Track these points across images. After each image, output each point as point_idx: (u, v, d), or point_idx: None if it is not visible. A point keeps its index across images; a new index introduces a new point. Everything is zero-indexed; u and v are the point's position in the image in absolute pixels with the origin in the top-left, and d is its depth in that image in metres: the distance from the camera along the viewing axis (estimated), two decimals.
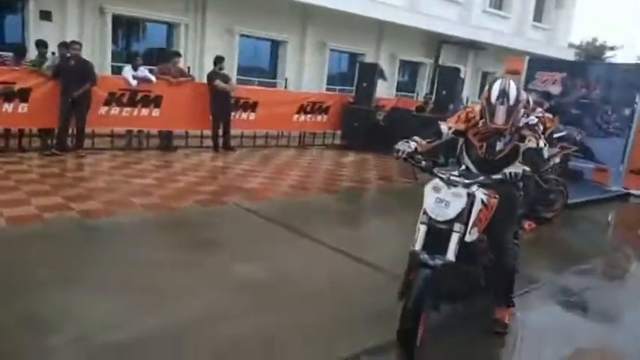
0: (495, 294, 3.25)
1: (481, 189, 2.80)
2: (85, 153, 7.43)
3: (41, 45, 7.57)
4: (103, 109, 7.74)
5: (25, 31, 9.83)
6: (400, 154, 2.94)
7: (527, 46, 18.48)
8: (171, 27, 11.84)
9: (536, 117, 5.38)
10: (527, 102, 3.33)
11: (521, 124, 3.01)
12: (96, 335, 2.68)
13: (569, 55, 21.94)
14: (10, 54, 7.82)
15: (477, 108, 3.07)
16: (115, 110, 7.87)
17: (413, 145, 2.97)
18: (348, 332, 2.95)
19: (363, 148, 10.39)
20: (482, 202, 2.77)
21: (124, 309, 2.99)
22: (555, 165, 6.15)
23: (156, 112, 8.25)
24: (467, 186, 2.77)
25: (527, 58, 9.60)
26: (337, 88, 14.51)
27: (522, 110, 3.03)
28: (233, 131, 9.18)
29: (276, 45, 14.04)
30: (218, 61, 8.91)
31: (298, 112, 10.24)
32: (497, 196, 2.86)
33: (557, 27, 22.00)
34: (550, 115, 6.37)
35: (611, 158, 8.10)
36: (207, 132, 9.02)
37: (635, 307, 3.91)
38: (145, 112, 8.14)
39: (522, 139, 2.95)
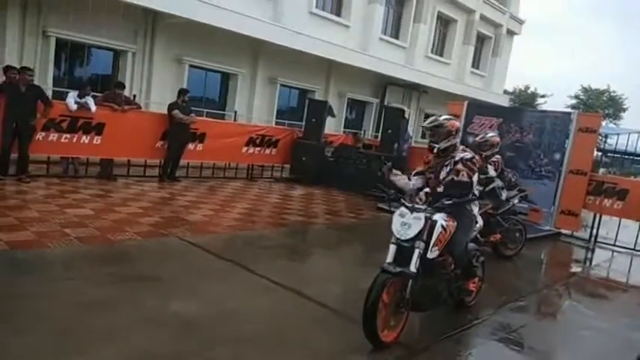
0: (463, 274, 3.97)
1: (442, 215, 3.44)
2: (29, 179, 7.11)
3: None
4: (41, 135, 7.38)
5: None
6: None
7: (466, 91, 19.62)
8: (117, 54, 11.58)
9: (493, 161, 6.14)
10: (457, 130, 3.86)
11: (457, 158, 3.71)
12: None
13: (505, 101, 23.46)
14: None
15: (432, 156, 3.89)
16: (53, 136, 7.52)
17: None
18: None
19: (311, 183, 10.46)
20: (442, 226, 3.39)
21: (40, 355, 2.73)
22: (515, 206, 6.46)
23: (97, 140, 7.95)
24: (428, 212, 3.39)
25: (466, 102, 10.12)
26: (287, 122, 14.63)
27: (454, 139, 3.78)
28: (180, 162, 9.00)
29: (226, 77, 14.05)
30: (182, 93, 8.91)
31: (247, 145, 10.20)
32: (454, 220, 3.51)
33: (494, 74, 23.54)
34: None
35: (543, 199, 8.55)
36: (151, 161, 8.76)
37: (566, 343, 4.07)
38: (85, 139, 7.83)
39: (457, 172, 3.65)
